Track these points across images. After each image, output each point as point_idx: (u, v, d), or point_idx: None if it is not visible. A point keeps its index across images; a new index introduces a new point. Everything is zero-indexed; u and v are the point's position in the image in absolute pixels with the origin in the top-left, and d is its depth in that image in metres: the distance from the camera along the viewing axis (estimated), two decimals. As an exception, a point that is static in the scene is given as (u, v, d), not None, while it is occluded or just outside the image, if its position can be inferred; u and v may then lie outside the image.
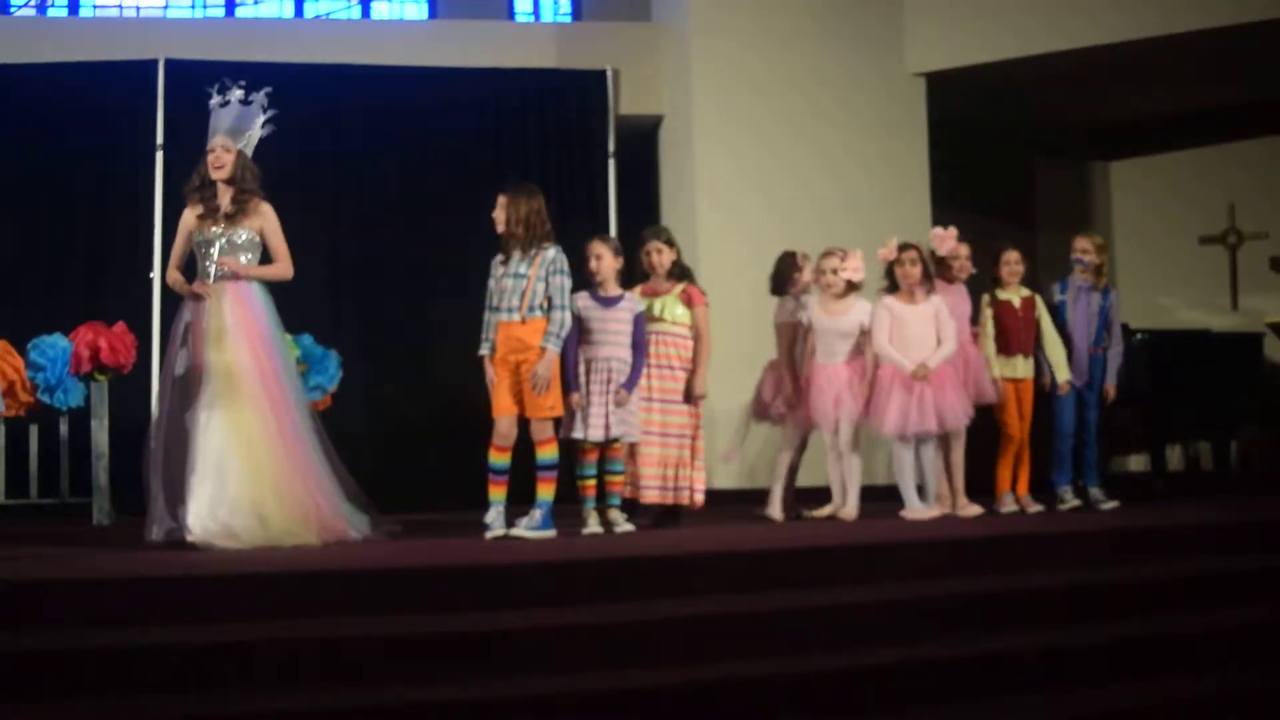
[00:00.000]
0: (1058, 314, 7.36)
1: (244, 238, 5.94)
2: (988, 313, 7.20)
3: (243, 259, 5.93)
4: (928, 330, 6.86)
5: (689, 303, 6.82)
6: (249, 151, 6.05)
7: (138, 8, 10.84)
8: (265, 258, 6.06)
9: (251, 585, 4.36)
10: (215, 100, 6.01)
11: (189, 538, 5.50)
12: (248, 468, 5.61)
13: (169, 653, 3.79)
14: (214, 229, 5.93)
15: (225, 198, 5.95)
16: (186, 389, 5.74)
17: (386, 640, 3.93)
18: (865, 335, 6.89)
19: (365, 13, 11.11)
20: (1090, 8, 9.52)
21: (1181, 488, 7.52)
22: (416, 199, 9.39)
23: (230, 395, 5.68)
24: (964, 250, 7.26)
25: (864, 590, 4.80)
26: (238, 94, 6.01)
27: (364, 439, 9.00)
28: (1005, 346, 7.18)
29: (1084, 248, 7.44)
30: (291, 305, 8.09)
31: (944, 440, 6.96)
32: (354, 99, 9.35)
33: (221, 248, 5.91)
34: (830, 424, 6.91)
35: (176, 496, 5.63)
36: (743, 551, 5.20)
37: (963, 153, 10.53)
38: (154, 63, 8.93)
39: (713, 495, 8.91)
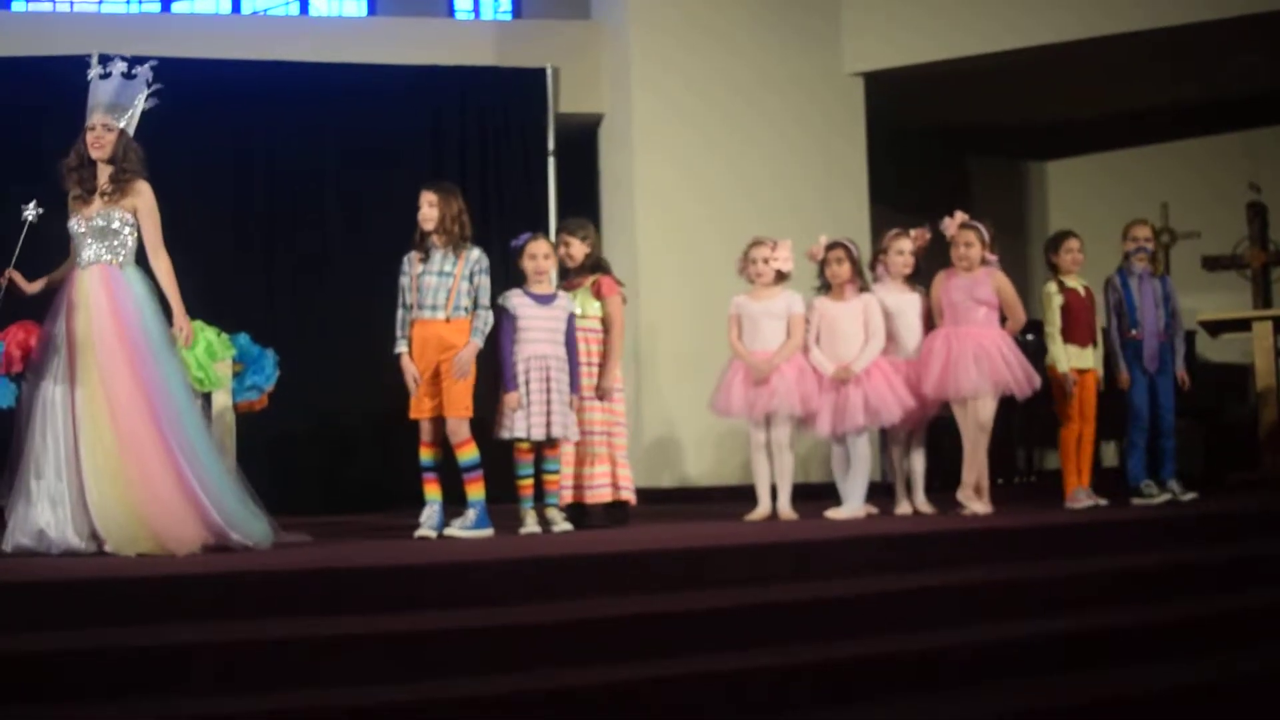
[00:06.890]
0: (1124, 304, 7.27)
1: (119, 220, 5.60)
2: (1055, 301, 7.06)
3: (116, 242, 5.57)
4: (856, 328, 6.86)
5: (599, 294, 6.73)
6: (131, 129, 5.73)
7: (71, 2, 10.72)
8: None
9: (180, 588, 4.31)
10: (94, 73, 5.72)
11: (55, 547, 5.26)
12: (100, 472, 5.30)
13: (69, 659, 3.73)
14: (90, 211, 5.62)
15: (103, 177, 5.64)
16: (53, 388, 5.45)
17: (320, 642, 3.90)
18: (794, 321, 6.81)
19: (303, 9, 11.04)
20: (1024, 10, 9.63)
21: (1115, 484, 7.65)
22: (354, 196, 9.34)
23: (89, 397, 5.37)
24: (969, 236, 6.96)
25: (798, 588, 4.83)
26: (120, 67, 5.71)
27: (302, 439, 8.97)
28: (1078, 336, 7.07)
29: (1146, 235, 7.40)
30: (228, 303, 8.12)
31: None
32: (291, 96, 9.27)
33: (94, 230, 5.58)
34: (759, 414, 6.83)
35: (31, 500, 5.36)
36: (679, 550, 5.21)
37: (900, 152, 10.62)
38: (87, 58, 8.82)
39: (688, 494, 9.02)
